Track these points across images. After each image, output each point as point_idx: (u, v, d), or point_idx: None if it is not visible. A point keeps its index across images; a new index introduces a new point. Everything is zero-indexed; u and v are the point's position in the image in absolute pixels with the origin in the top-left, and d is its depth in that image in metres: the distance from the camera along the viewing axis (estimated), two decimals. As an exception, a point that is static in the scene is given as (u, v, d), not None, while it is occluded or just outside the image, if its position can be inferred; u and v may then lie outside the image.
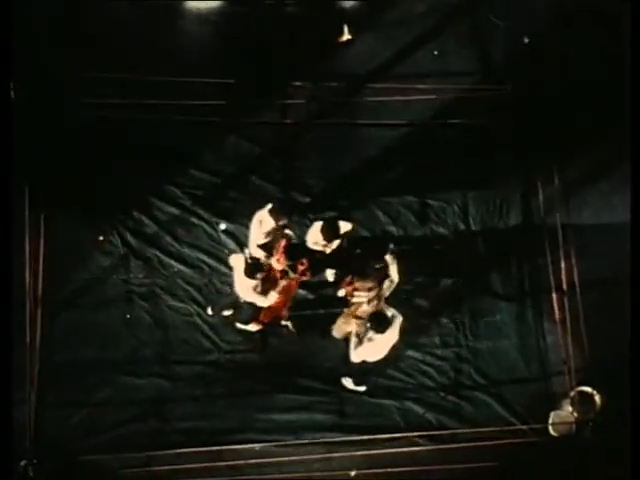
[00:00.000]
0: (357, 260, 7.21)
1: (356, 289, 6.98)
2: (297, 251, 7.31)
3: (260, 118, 8.27)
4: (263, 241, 7.08)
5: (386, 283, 6.91)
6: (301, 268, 7.09)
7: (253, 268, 6.71)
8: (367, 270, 6.88)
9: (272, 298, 6.95)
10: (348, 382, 7.60)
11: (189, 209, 8.07)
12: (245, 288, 6.87)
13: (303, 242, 7.49)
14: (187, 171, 8.13)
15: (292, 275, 7.07)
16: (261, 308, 7.21)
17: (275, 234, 7.10)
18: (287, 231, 7.22)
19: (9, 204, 6.10)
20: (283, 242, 7.09)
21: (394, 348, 6.93)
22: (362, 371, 7.31)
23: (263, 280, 6.84)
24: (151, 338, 7.71)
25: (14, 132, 6.25)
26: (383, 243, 7.43)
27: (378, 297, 6.93)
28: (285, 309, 7.47)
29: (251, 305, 7.15)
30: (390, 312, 6.70)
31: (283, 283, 6.99)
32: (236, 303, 7.37)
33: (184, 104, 7.86)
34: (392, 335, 6.72)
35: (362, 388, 7.62)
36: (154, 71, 7.89)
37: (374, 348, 6.75)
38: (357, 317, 7.01)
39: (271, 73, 8.26)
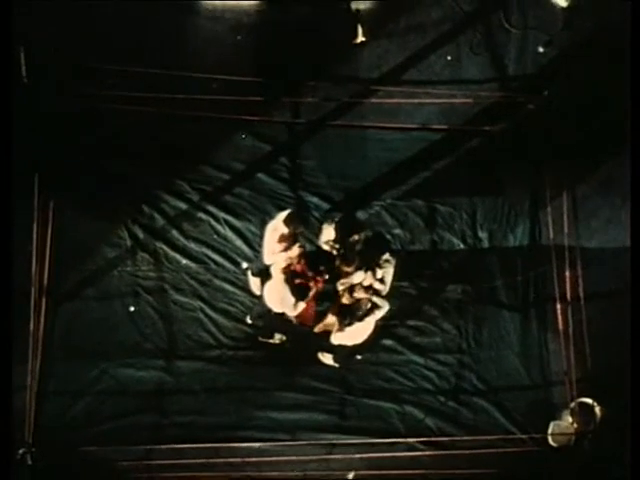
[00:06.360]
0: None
1: (341, 275, 6.97)
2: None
3: (272, 117, 8.26)
4: (278, 250, 6.89)
5: (375, 312, 6.92)
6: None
7: (301, 290, 6.73)
8: (349, 255, 6.88)
9: (300, 307, 6.88)
10: (327, 358, 7.65)
11: (197, 204, 8.07)
12: (280, 301, 6.83)
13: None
14: (197, 166, 8.12)
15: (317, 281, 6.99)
16: (285, 319, 7.14)
17: (289, 241, 6.91)
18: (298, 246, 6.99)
19: (16, 193, 6.12)
20: (299, 251, 6.95)
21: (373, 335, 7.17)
22: (343, 352, 7.39)
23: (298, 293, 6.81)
24: (154, 331, 7.72)
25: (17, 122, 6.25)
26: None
27: (364, 288, 6.93)
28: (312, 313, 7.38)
29: (276, 316, 7.09)
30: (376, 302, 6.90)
31: (312, 291, 6.92)
32: (263, 314, 7.34)
33: (196, 99, 7.85)
34: (367, 324, 6.92)
35: (337, 365, 7.67)
36: (168, 66, 7.85)
37: (349, 335, 6.97)
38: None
39: (284, 72, 8.25)
